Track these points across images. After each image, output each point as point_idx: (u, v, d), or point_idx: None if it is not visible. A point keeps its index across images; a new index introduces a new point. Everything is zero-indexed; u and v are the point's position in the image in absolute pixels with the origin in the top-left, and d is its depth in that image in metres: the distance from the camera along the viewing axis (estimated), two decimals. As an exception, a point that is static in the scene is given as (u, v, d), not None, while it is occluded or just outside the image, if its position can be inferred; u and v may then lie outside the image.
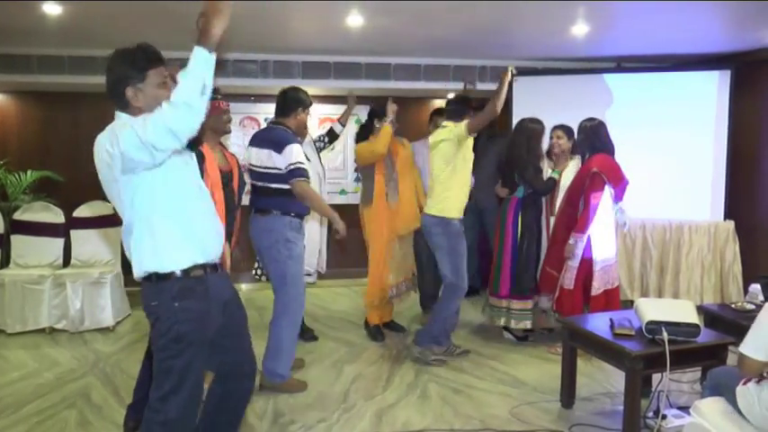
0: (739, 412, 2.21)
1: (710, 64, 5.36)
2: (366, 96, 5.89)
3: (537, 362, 3.94)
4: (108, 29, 4.26)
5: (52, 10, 3.74)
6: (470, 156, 3.80)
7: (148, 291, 1.96)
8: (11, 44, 4.78)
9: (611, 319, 3.02)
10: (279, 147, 3.25)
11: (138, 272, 1.97)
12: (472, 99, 3.91)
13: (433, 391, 3.46)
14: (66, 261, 4.91)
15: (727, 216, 5.17)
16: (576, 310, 3.85)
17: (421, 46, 5.00)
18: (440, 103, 6.33)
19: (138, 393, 2.84)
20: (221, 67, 1.93)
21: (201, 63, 1.72)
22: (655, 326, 2.77)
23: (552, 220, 4.16)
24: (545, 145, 4.22)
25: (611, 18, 4.15)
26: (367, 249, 4.33)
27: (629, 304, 4.35)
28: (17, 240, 4.85)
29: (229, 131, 3.37)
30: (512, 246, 4.13)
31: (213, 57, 1.74)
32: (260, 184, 3.35)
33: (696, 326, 2.78)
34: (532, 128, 4.07)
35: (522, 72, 5.56)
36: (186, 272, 1.95)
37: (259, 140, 3.37)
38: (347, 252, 5.61)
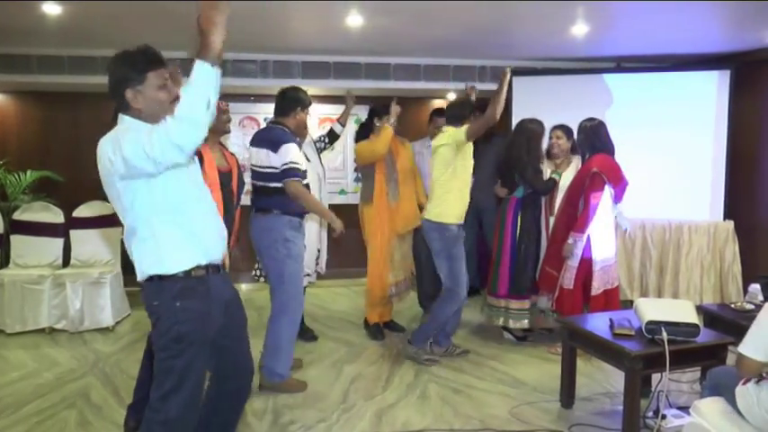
0: (738, 412, 2.21)
1: (710, 64, 5.37)
2: (366, 96, 5.90)
3: (537, 362, 3.94)
4: (108, 29, 4.26)
5: (52, 10, 3.74)
6: (470, 162, 3.79)
7: (150, 290, 1.96)
8: (10, 44, 4.78)
9: (610, 319, 3.02)
10: (275, 146, 3.26)
11: (141, 275, 1.97)
12: (473, 102, 3.89)
13: (433, 392, 3.46)
14: (66, 261, 4.91)
15: (727, 216, 5.17)
16: (575, 310, 3.86)
17: (421, 46, 5.01)
18: (439, 103, 6.33)
19: (139, 393, 2.84)
20: (221, 67, 1.92)
21: (204, 77, 1.71)
22: (654, 326, 2.77)
23: (552, 220, 4.16)
24: (544, 145, 4.22)
25: (611, 18, 4.15)
26: (366, 248, 4.33)
27: (628, 304, 4.35)
28: (17, 240, 4.85)
29: (229, 131, 3.37)
30: (511, 245, 4.13)
31: (216, 70, 1.73)
32: (259, 183, 3.35)
33: (696, 326, 2.78)
34: (532, 129, 4.07)
35: (522, 72, 5.58)
36: (188, 272, 1.95)
37: (258, 140, 3.38)
38: (347, 252, 5.61)
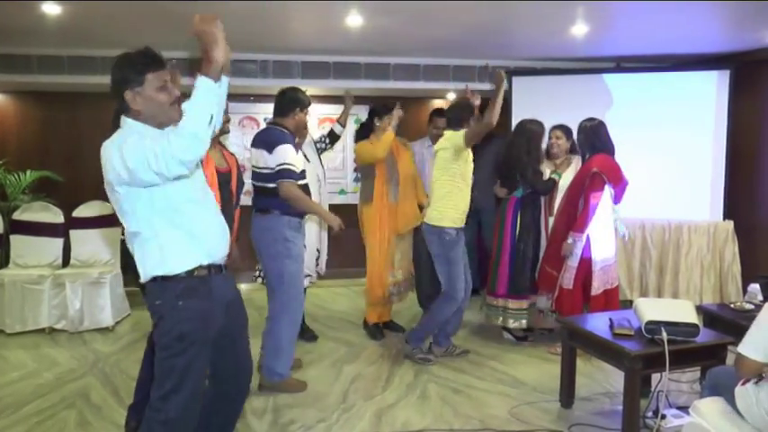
0: (738, 412, 2.21)
1: (710, 64, 5.37)
2: (365, 96, 5.89)
3: (536, 362, 3.94)
4: (107, 29, 4.26)
5: (51, 10, 3.74)
6: (470, 166, 3.77)
7: (153, 290, 1.98)
8: (10, 44, 4.78)
9: (610, 319, 3.02)
10: (270, 147, 3.27)
11: (145, 276, 1.98)
12: (473, 105, 3.88)
13: (433, 392, 3.46)
14: (66, 261, 4.91)
15: (727, 216, 5.17)
16: (575, 310, 3.86)
17: (420, 46, 5.01)
18: (439, 103, 6.34)
19: (139, 394, 2.84)
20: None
21: (206, 93, 1.75)
22: (654, 326, 2.77)
23: (551, 220, 4.16)
24: (544, 145, 4.22)
25: (611, 18, 4.15)
26: (365, 248, 4.33)
27: (628, 304, 4.35)
28: (16, 240, 4.85)
29: (228, 131, 3.37)
30: (510, 245, 4.14)
31: (218, 86, 1.76)
32: (258, 184, 3.36)
33: (695, 326, 2.78)
34: (532, 129, 4.07)
35: (522, 72, 5.59)
36: (190, 272, 1.97)
37: (256, 141, 3.39)
38: (346, 252, 5.60)
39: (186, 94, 1.94)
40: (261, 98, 5.88)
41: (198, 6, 3.56)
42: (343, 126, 4.52)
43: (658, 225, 5.21)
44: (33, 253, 4.82)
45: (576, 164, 4.16)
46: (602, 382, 3.58)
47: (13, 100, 5.82)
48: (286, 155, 3.25)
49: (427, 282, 4.71)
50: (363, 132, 4.35)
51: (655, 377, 3.11)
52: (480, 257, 5.18)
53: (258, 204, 3.39)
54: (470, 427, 3.02)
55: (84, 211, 4.93)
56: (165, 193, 1.89)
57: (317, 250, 4.39)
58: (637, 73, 5.43)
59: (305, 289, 3.80)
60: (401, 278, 4.37)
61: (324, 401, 3.32)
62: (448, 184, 3.73)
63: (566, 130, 4.20)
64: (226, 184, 3.09)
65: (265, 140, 3.32)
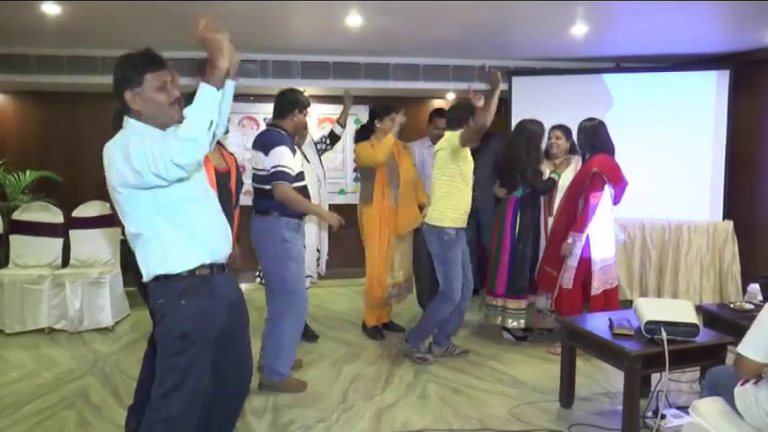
0: (737, 413, 2.21)
1: (709, 64, 5.37)
2: (365, 96, 5.90)
3: (536, 362, 3.94)
4: (107, 29, 4.26)
5: (51, 10, 3.74)
6: (469, 166, 3.77)
7: (156, 289, 1.99)
8: (10, 44, 4.78)
9: (610, 319, 3.02)
10: (267, 149, 3.28)
11: (147, 275, 1.99)
12: (473, 106, 3.88)
13: (433, 392, 3.46)
14: (66, 261, 4.90)
15: (726, 216, 5.17)
16: (575, 310, 3.86)
17: (420, 46, 5.01)
18: (439, 103, 6.34)
19: (139, 395, 2.83)
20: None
21: (208, 100, 1.78)
22: (654, 326, 2.77)
23: (550, 220, 4.16)
24: (543, 145, 4.22)
25: (610, 18, 4.15)
26: (365, 249, 4.32)
27: (628, 304, 4.35)
28: (16, 240, 4.84)
29: (227, 131, 3.37)
30: (510, 245, 4.14)
31: (220, 94, 1.80)
32: (257, 185, 3.37)
33: (695, 326, 2.78)
34: (532, 129, 4.07)
35: (521, 72, 5.59)
36: (192, 271, 1.98)
37: (255, 143, 3.41)
38: (346, 252, 5.61)
39: (186, 95, 1.94)
40: (260, 98, 5.88)
41: (198, 6, 3.56)
42: (343, 126, 4.52)
43: (658, 225, 5.21)
44: (33, 253, 4.81)
45: (575, 164, 4.16)
46: (601, 382, 3.58)
47: (12, 100, 5.82)
48: (281, 157, 3.25)
49: (427, 282, 4.71)
50: (364, 134, 4.35)
51: (654, 377, 3.12)
52: (480, 257, 5.18)
53: (257, 206, 3.41)
54: (470, 427, 3.02)
55: (83, 211, 4.93)
56: (166, 193, 1.90)
57: (318, 251, 4.40)
58: (636, 73, 5.43)
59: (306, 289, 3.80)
60: (401, 280, 4.36)
61: (323, 401, 3.32)
62: (447, 184, 3.73)
63: (565, 130, 4.20)
64: (224, 184, 3.09)
65: (263, 142, 3.33)
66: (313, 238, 4.26)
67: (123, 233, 2.05)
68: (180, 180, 1.89)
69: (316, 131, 5.83)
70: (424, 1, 3.62)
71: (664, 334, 2.71)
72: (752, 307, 3.35)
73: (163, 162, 1.76)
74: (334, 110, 5.74)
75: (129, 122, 1.95)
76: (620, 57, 5.42)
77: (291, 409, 3.21)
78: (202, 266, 2.00)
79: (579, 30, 4.36)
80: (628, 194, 3.99)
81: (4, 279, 4.52)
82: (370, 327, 4.48)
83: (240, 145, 5.95)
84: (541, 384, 3.53)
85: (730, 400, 2.24)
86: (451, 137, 3.68)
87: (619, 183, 3.88)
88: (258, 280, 4.26)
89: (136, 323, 4.77)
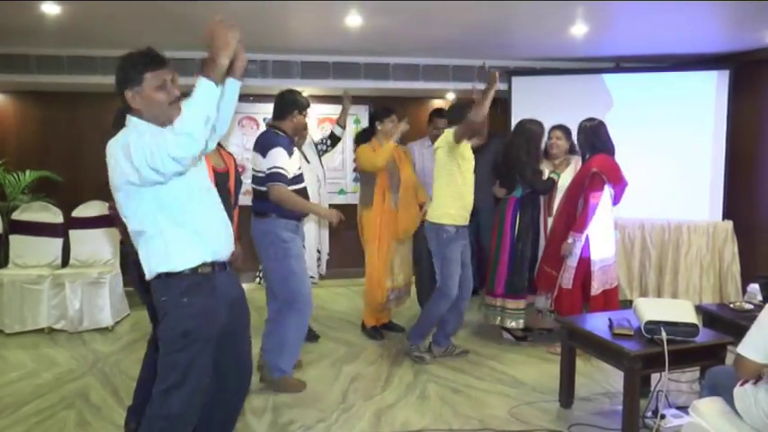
0: (737, 413, 2.21)
1: (709, 64, 5.37)
2: (365, 96, 5.90)
3: (536, 362, 3.94)
4: (107, 29, 4.26)
5: (51, 10, 3.74)
6: (469, 164, 3.77)
7: (158, 287, 2.00)
8: (9, 44, 4.78)
9: (609, 319, 3.02)
10: (264, 150, 3.30)
11: (150, 273, 2.01)
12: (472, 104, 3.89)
13: (432, 392, 3.46)
14: (65, 261, 4.90)
15: (726, 216, 5.17)
16: (574, 310, 3.86)
17: (420, 46, 5.00)
18: (439, 103, 6.33)
19: (139, 396, 2.83)
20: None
21: (205, 94, 1.78)
22: (653, 326, 2.77)
23: (550, 220, 4.16)
24: (543, 145, 4.22)
25: (610, 18, 4.15)
26: (364, 249, 4.32)
27: (627, 304, 4.35)
28: (16, 240, 4.85)
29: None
30: (510, 245, 4.14)
31: (219, 89, 1.79)
32: (256, 187, 3.39)
33: (695, 326, 2.78)
34: (532, 129, 4.07)
35: (521, 72, 5.58)
36: (194, 269, 1.99)
37: (255, 144, 3.42)
38: (346, 252, 5.61)
39: (186, 94, 1.94)
40: (260, 98, 5.87)
41: (198, 6, 3.56)
42: (343, 127, 4.52)
43: (658, 225, 5.21)
44: (33, 253, 4.82)
45: (575, 164, 4.16)
46: (601, 382, 3.58)
47: (12, 100, 5.81)
48: (277, 158, 3.27)
49: (427, 281, 4.71)
50: (365, 136, 4.35)
51: (654, 377, 3.12)
52: (479, 258, 5.18)
53: (255, 208, 3.42)
54: (470, 427, 3.02)
55: (83, 211, 4.93)
56: (169, 191, 1.92)
57: (318, 251, 4.40)
58: (636, 73, 5.43)
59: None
60: (400, 284, 4.35)
61: (323, 401, 3.32)
62: (446, 181, 3.74)
63: (565, 130, 4.20)
64: (223, 185, 3.08)
65: (261, 144, 3.35)
66: (312, 239, 4.26)
67: (121, 233, 2.05)
68: (179, 174, 1.89)
69: (315, 132, 5.83)
70: (424, 1, 3.61)
71: (663, 334, 2.71)
72: (751, 307, 3.35)
73: (160, 156, 1.77)
74: (333, 110, 5.73)
75: (132, 121, 1.96)
76: (619, 57, 5.42)
77: (291, 408, 3.21)
78: (204, 264, 2.01)
79: (579, 30, 4.36)
80: (628, 194, 4.00)
81: (3, 279, 4.52)
82: (370, 327, 4.48)
83: (240, 145, 5.95)
84: (541, 384, 3.53)
85: (730, 401, 2.24)
86: (448, 134, 3.70)
87: (618, 183, 3.88)
88: (258, 280, 4.26)
89: (135, 323, 4.77)
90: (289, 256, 3.32)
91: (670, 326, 2.75)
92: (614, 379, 3.54)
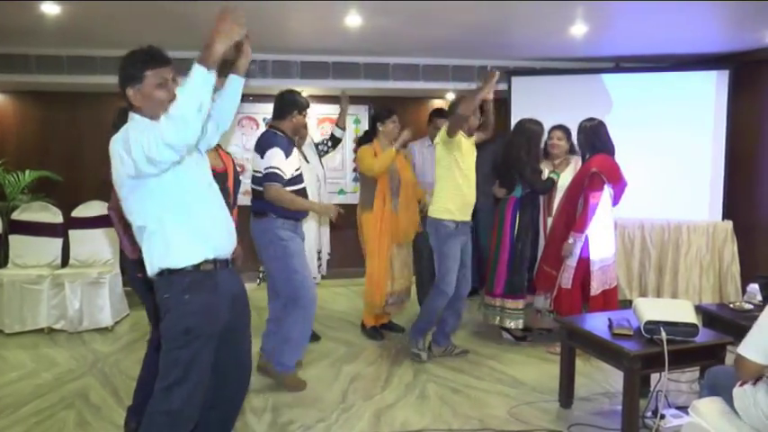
0: (736, 413, 2.20)
1: (709, 64, 5.37)
2: (364, 96, 5.89)
3: (535, 362, 3.94)
4: (107, 29, 4.26)
5: (50, 10, 3.74)
6: (468, 160, 3.77)
7: (161, 284, 2.01)
8: (9, 44, 4.77)
9: (609, 319, 3.02)
10: (262, 150, 3.32)
11: (152, 269, 2.01)
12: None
13: (432, 391, 3.46)
14: (65, 261, 4.90)
15: (726, 216, 5.17)
16: (574, 310, 3.86)
17: (419, 46, 5.00)
18: (439, 103, 6.33)
19: (139, 396, 2.83)
20: (224, 66, 2.03)
21: (199, 80, 1.77)
22: (653, 326, 2.77)
23: (550, 220, 4.16)
24: (543, 145, 4.22)
25: (610, 18, 4.15)
26: (364, 252, 4.31)
27: (627, 304, 4.35)
28: (15, 240, 4.84)
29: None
30: (509, 245, 4.14)
31: (212, 75, 1.79)
32: (255, 187, 3.40)
33: (694, 326, 2.78)
34: (532, 129, 4.08)
35: (521, 72, 5.58)
36: (197, 266, 2.00)
37: (255, 145, 3.44)
38: (346, 252, 5.60)
39: None
40: (260, 98, 5.87)
41: (198, 6, 3.56)
42: (343, 129, 4.52)
43: (657, 225, 5.21)
44: (32, 253, 4.81)
45: (574, 164, 4.16)
46: (601, 382, 3.58)
47: (12, 100, 5.81)
48: (273, 159, 3.28)
49: (427, 280, 4.71)
50: (366, 138, 4.35)
51: (654, 377, 3.11)
52: (477, 258, 5.18)
53: (254, 207, 3.44)
54: (469, 426, 3.02)
55: (83, 211, 4.93)
56: (171, 187, 1.93)
57: (318, 252, 4.40)
58: (636, 73, 5.43)
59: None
60: (400, 288, 4.34)
61: (323, 401, 3.32)
62: (445, 177, 3.76)
63: (565, 130, 4.20)
64: (222, 185, 3.08)
65: (260, 144, 3.38)
66: (312, 240, 4.26)
67: (133, 230, 2.06)
68: (176, 163, 1.88)
69: (315, 131, 5.83)
70: (424, 1, 3.61)
71: (663, 334, 2.71)
72: (751, 307, 3.35)
73: (156, 144, 1.77)
74: (333, 110, 5.73)
75: (134, 118, 1.98)
76: (619, 57, 5.42)
77: (291, 408, 3.21)
78: (206, 261, 2.02)
79: (579, 30, 4.36)
80: (627, 194, 4.00)
81: (3, 279, 4.52)
82: (370, 327, 4.48)
83: (240, 145, 5.95)
84: (541, 384, 3.53)
85: (729, 401, 2.24)
86: (443, 129, 3.71)
87: (618, 183, 3.88)
88: (258, 282, 4.27)
89: (135, 323, 4.77)
90: (288, 254, 3.33)
91: (670, 326, 2.75)
92: (614, 379, 3.54)
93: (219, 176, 3.07)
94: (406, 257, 4.39)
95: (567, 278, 3.92)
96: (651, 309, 2.88)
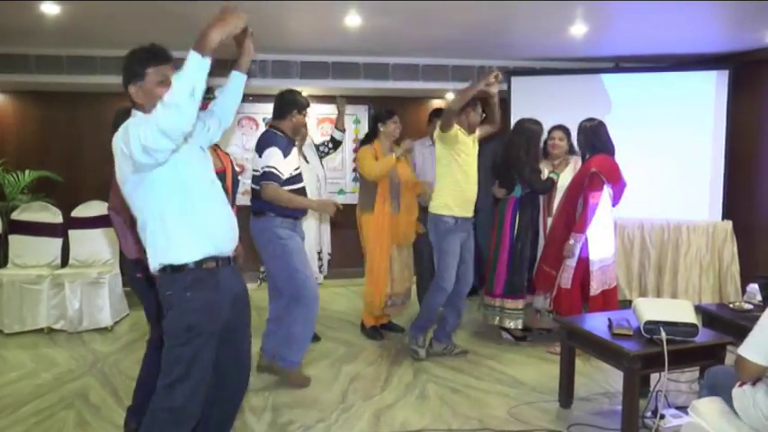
0: (736, 413, 2.20)
1: (709, 64, 5.37)
2: (364, 96, 5.89)
3: (535, 362, 3.94)
4: (107, 29, 4.26)
5: (50, 10, 3.74)
6: (468, 157, 3.77)
7: (163, 281, 2.02)
8: (9, 44, 4.77)
9: (609, 319, 3.02)
10: (261, 150, 3.33)
11: (154, 265, 2.02)
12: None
13: (432, 391, 3.46)
14: (65, 261, 4.90)
15: (726, 216, 5.17)
16: (574, 310, 3.86)
17: (419, 46, 5.01)
18: (438, 103, 6.33)
19: (139, 396, 2.83)
20: (222, 66, 2.03)
21: (193, 67, 1.77)
22: (653, 326, 2.77)
23: (550, 220, 4.16)
24: (542, 145, 4.22)
25: (610, 18, 4.15)
26: (364, 252, 4.31)
27: (627, 304, 4.34)
28: (15, 240, 4.84)
29: None
30: (509, 245, 4.14)
31: (206, 61, 1.78)
32: (254, 186, 3.41)
33: (694, 326, 2.78)
34: (531, 128, 4.08)
35: (521, 72, 5.59)
36: (199, 263, 2.01)
37: (255, 145, 3.44)
38: (346, 252, 5.60)
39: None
40: (260, 98, 5.86)
41: (198, 6, 3.56)
42: (343, 131, 4.52)
43: (657, 225, 5.21)
44: (32, 253, 4.81)
45: (574, 164, 4.16)
46: (600, 382, 3.58)
47: (12, 100, 5.81)
48: (271, 158, 3.29)
49: (428, 279, 4.70)
50: (367, 139, 4.36)
51: (654, 377, 3.12)
52: (477, 257, 5.18)
53: (253, 207, 3.45)
54: (469, 426, 3.02)
55: (83, 211, 4.93)
56: (173, 182, 1.94)
57: (319, 252, 4.39)
58: (636, 73, 5.43)
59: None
60: (400, 290, 4.33)
61: (323, 401, 3.32)
62: (444, 172, 3.78)
63: (565, 130, 4.20)
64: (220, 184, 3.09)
65: (259, 144, 3.39)
66: (312, 240, 4.26)
67: (137, 226, 2.06)
68: (173, 151, 1.88)
69: (315, 131, 5.83)
70: (424, 1, 3.61)
71: (663, 334, 2.71)
72: (751, 307, 3.35)
73: (151, 132, 1.76)
74: (333, 110, 5.72)
75: (137, 114, 1.99)
76: (619, 57, 5.42)
77: (291, 408, 3.21)
78: (208, 259, 2.02)
79: (578, 30, 4.36)
80: (627, 194, 4.00)
81: (3, 279, 4.52)
82: (369, 327, 4.48)
83: (239, 145, 5.95)
84: (541, 384, 3.53)
85: (729, 401, 2.24)
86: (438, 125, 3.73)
87: (617, 183, 3.88)
88: (259, 282, 4.27)
89: (135, 323, 4.77)
90: (288, 252, 3.34)
91: (669, 326, 2.75)
92: (614, 379, 3.54)
93: (218, 176, 3.07)
94: (407, 259, 4.39)
95: (566, 278, 3.91)
96: (651, 309, 2.88)
